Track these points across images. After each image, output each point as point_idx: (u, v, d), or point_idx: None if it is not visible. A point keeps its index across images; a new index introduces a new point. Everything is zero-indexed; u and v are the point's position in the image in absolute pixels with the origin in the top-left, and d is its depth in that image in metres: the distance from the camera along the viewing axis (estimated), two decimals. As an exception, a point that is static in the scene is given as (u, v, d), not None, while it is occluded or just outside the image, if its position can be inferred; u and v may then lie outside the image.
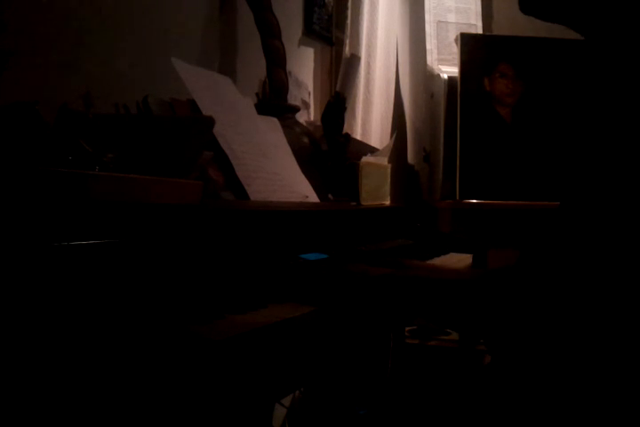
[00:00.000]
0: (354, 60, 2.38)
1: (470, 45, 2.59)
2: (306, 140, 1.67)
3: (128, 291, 0.72)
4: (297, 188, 1.40)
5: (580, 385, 0.77)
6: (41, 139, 0.78)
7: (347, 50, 2.42)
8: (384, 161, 1.83)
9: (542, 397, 0.80)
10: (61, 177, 0.70)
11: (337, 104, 1.70)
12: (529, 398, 0.81)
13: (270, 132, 1.47)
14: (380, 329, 1.80)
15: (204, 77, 1.32)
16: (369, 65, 2.47)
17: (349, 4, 2.44)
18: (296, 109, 1.81)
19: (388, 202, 1.78)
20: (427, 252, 1.50)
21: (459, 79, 2.57)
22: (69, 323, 0.61)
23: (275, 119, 1.54)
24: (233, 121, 1.29)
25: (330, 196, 1.57)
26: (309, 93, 2.35)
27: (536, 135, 2.56)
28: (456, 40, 2.66)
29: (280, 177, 1.34)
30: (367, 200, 1.60)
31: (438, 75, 2.69)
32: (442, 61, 2.78)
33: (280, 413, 1.90)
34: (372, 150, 1.89)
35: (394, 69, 2.58)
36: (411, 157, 2.65)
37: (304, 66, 2.35)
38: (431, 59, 2.74)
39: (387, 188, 1.78)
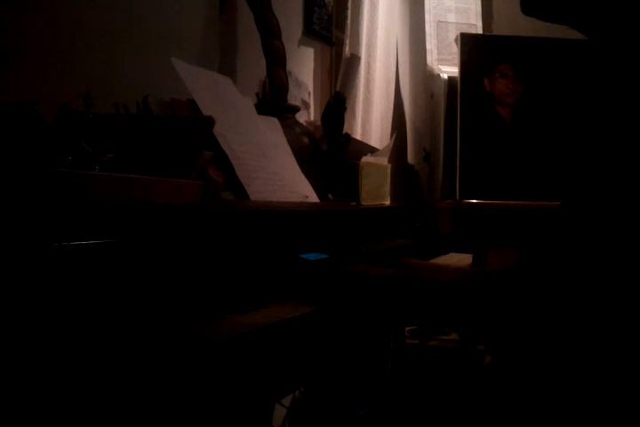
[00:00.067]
0: (354, 60, 2.38)
1: (470, 45, 2.59)
2: (306, 140, 1.67)
3: (128, 291, 0.72)
4: (297, 188, 1.40)
5: (579, 385, 0.77)
6: (41, 139, 0.78)
7: (347, 50, 2.42)
8: (384, 161, 1.83)
9: (542, 397, 0.80)
10: (61, 177, 0.70)
11: (337, 104, 1.70)
12: (529, 399, 0.81)
13: (270, 132, 1.47)
14: (380, 329, 1.80)
15: (204, 77, 1.32)
16: (369, 65, 2.47)
17: (349, 3, 2.44)
18: (296, 109, 1.81)
19: (388, 202, 1.78)
20: (427, 252, 1.50)
21: (459, 79, 2.57)
22: (70, 323, 0.61)
23: (275, 119, 1.54)
24: (233, 121, 1.29)
25: (330, 196, 1.57)
26: (309, 93, 2.35)
27: (536, 135, 2.56)
28: (456, 40, 2.66)
29: (280, 177, 1.34)
30: (367, 200, 1.60)
31: (438, 75, 2.69)
32: (442, 61, 2.78)
33: (280, 413, 1.90)
34: (372, 150, 1.89)
35: (394, 69, 2.58)
36: (411, 157, 2.65)
37: (304, 66, 2.35)
38: (431, 59, 2.74)
39: (387, 188, 1.78)
